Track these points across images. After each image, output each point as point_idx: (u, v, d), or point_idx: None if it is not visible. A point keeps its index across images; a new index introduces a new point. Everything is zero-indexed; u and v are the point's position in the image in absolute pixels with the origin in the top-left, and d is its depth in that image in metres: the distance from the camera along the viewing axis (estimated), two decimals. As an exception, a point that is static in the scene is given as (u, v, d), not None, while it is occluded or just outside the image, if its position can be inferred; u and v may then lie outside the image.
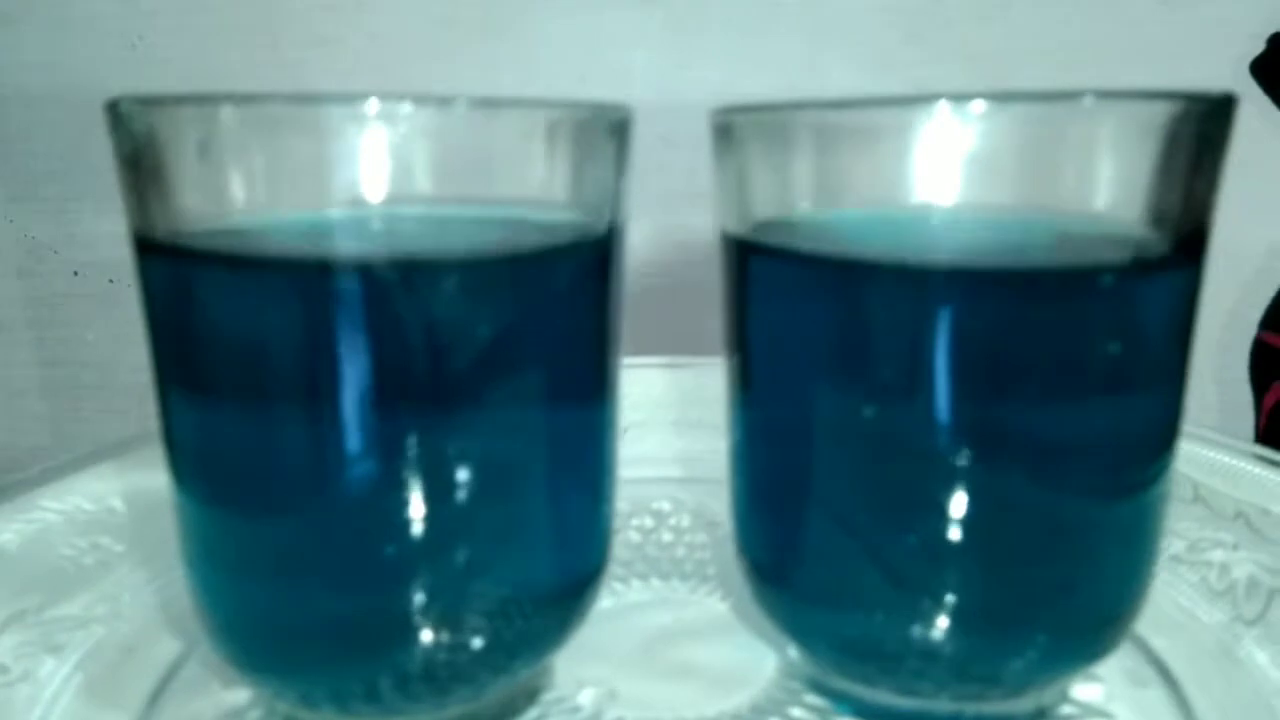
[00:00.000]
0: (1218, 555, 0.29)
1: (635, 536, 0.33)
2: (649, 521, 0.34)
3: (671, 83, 0.51)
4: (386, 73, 0.51)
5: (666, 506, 0.35)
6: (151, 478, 0.33)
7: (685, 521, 0.34)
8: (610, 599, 0.29)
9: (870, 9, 0.50)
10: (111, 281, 0.54)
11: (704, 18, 0.51)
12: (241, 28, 0.51)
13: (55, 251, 0.54)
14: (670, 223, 0.50)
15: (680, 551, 0.32)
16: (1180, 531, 0.30)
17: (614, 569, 0.30)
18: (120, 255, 0.58)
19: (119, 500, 0.32)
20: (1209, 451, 0.34)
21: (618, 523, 0.33)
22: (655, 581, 0.30)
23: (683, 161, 0.46)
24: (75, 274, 0.54)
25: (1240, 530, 0.30)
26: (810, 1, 0.50)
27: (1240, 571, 0.28)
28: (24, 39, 0.52)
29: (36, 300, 0.55)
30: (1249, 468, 0.32)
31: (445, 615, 0.21)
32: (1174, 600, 0.28)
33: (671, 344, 0.43)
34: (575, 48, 0.51)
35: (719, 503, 0.33)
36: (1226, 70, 0.46)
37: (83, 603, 0.27)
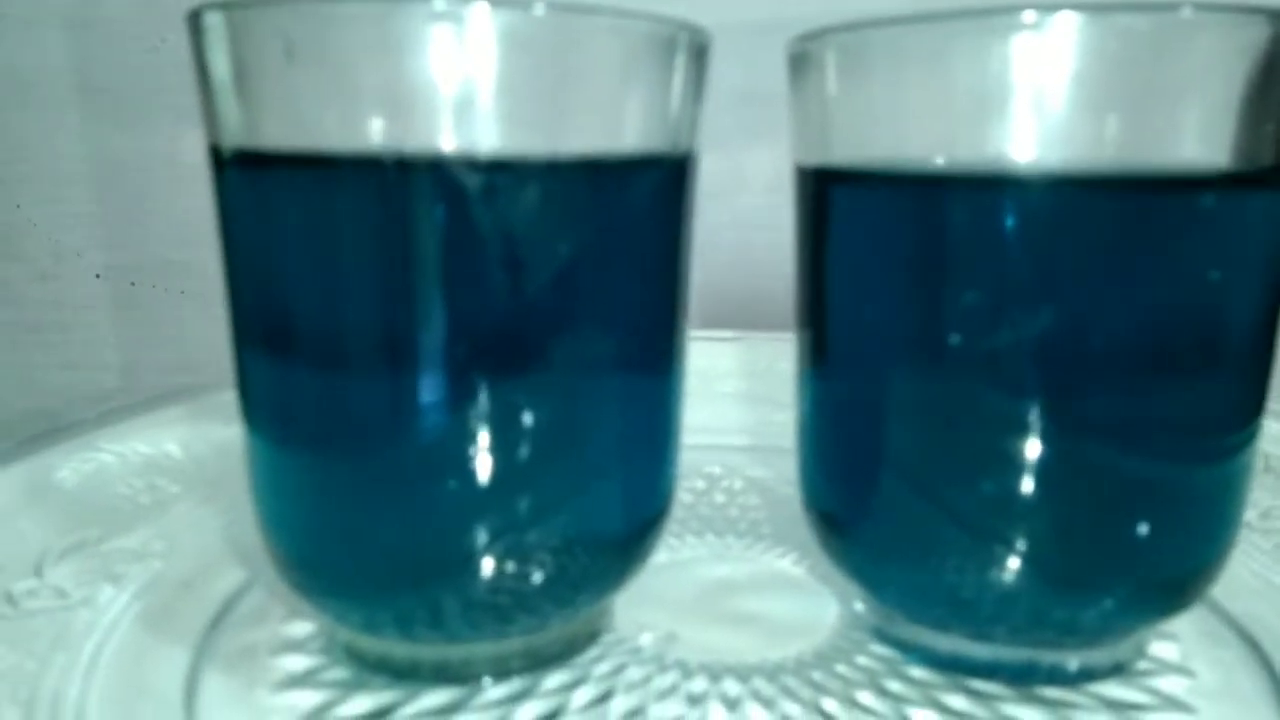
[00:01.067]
0: (1292, 523, 0.28)
1: (688, 498, 0.32)
2: (700, 484, 0.34)
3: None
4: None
5: (718, 470, 0.35)
6: (208, 425, 0.33)
7: (738, 484, 0.34)
8: (666, 553, 0.28)
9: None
10: (133, 284, 0.54)
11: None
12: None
13: (80, 255, 0.54)
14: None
15: (734, 512, 0.31)
16: (1253, 501, 0.29)
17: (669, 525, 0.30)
18: (140, 259, 0.58)
19: (175, 445, 0.32)
20: (1278, 424, 0.33)
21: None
22: (710, 538, 0.30)
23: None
24: (98, 277, 0.55)
25: (1315, 498, 0.29)
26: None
27: (1316, 538, 0.27)
28: (45, 42, 0.52)
29: (59, 303, 0.55)
30: (1322, 439, 0.32)
31: (508, 545, 0.20)
32: (1248, 566, 0.27)
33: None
34: None
35: (771, 470, 0.33)
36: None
37: (141, 537, 0.27)
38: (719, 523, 0.31)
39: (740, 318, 0.47)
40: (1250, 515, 0.29)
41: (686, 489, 0.33)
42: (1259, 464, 0.31)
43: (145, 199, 0.52)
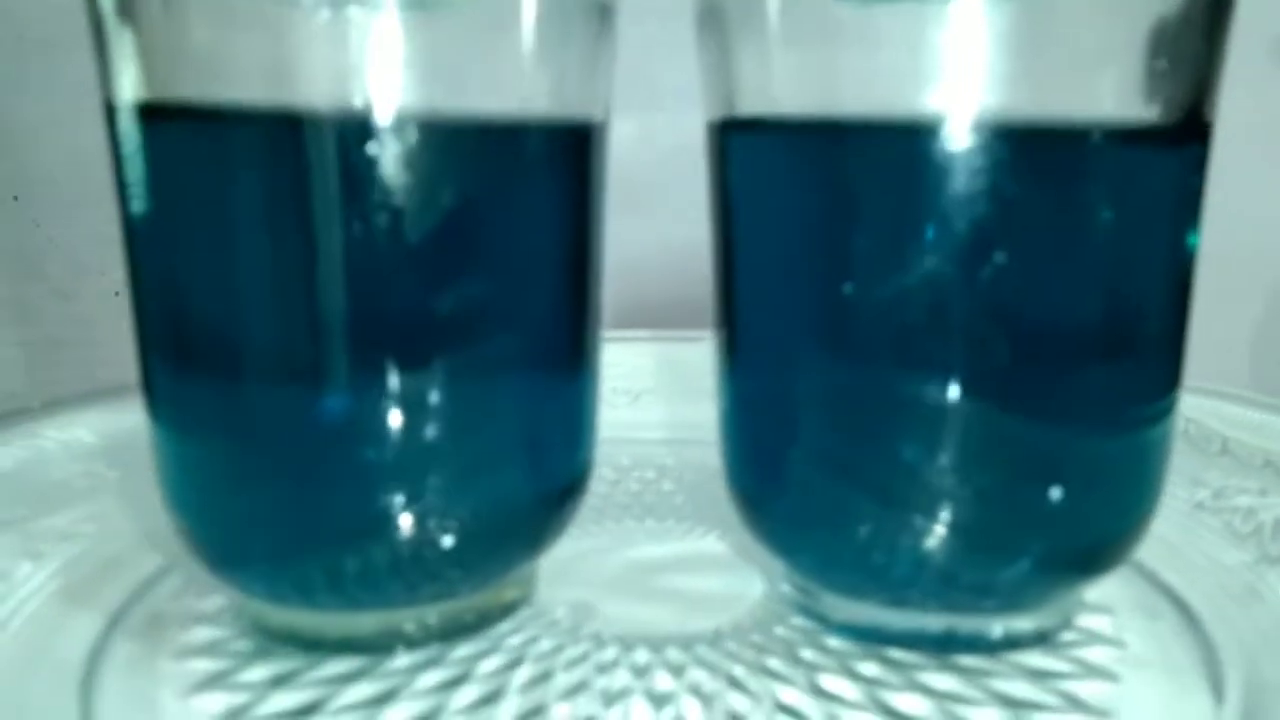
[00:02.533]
0: (1243, 501, 0.28)
1: (602, 487, 0.32)
2: (651, 474, 0.33)
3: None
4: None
5: (670, 461, 0.34)
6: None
7: (649, 474, 0.33)
8: (587, 539, 0.28)
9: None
10: None
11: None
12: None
13: (101, 274, 0.55)
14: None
15: (650, 498, 0.31)
16: (1207, 481, 0.29)
17: (610, 511, 0.30)
18: None
19: (122, 433, 0.32)
20: (1237, 408, 0.32)
21: (617, 475, 0.33)
22: (629, 522, 0.29)
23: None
24: (117, 295, 0.55)
25: (1268, 477, 0.28)
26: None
27: (1267, 515, 0.27)
28: (67, 63, 0.53)
29: (79, 321, 0.56)
30: (1278, 421, 0.31)
31: (411, 510, 0.20)
32: (1195, 545, 0.26)
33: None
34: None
35: (682, 460, 0.33)
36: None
37: (70, 519, 0.27)
38: (637, 509, 0.30)
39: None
40: (1204, 495, 0.28)
41: (599, 478, 0.32)
42: (1215, 446, 0.30)
43: None
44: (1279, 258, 0.48)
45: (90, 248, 0.54)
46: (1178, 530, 0.26)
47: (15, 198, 0.54)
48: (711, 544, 0.28)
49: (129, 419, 0.33)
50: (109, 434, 0.32)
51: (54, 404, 0.32)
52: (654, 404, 0.39)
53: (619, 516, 0.29)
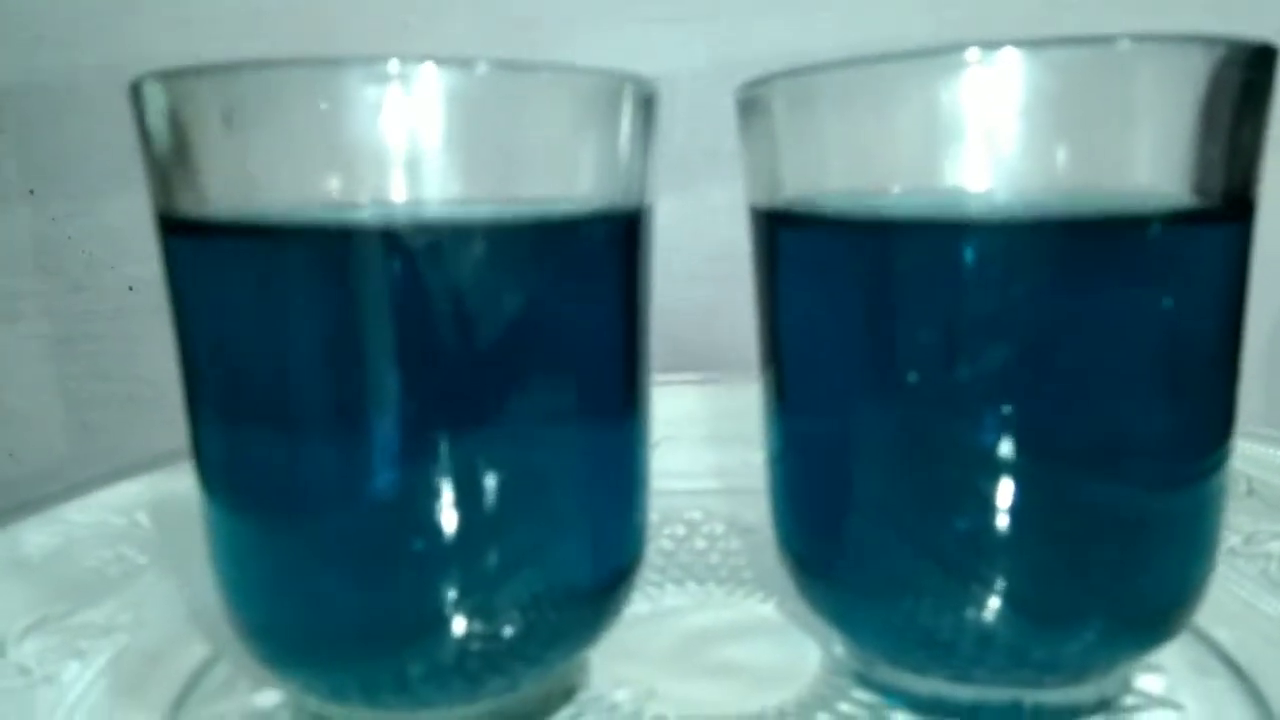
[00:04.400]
0: (1276, 547, 0.28)
1: (668, 544, 0.32)
2: (681, 530, 0.33)
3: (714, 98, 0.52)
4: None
5: (698, 515, 0.34)
6: (177, 492, 0.33)
7: (719, 529, 0.33)
8: (646, 604, 0.28)
9: (917, 23, 0.49)
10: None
11: (746, 33, 0.51)
12: (293, 49, 0.53)
13: (112, 268, 0.56)
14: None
15: (715, 558, 0.31)
16: (1236, 526, 0.29)
17: (648, 575, 0.30)
18: None
19: (144, 514, 0.31)
20: (1261, 447, 0.33)
21: (650, 532, 0.33)
22: (691, 585, 0.29)
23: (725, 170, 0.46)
24: (130, 289, 0.56)
25: (1299, 521, 0.29)
26: (853, 16, 0.50)
27: (1302, 561, 0.27)
28: (84, 61, 0.54)
29: (93, 314, 0.57)
30: (1304, 460, 0.31)
31: (475, 606, 0.20)
32: (1233, 593, 0.27)
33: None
34: (617, 65, 0.52)
35: (751, 511, 0.33)
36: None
37: (107, 610, 0.26)
38: (700, 569, 0.30)
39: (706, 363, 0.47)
40: (1235, 540, 0.29)
41: (667, 535, 0.33)
42: (1242, 487, 0.31)
43: None
44: None
45: (104, 242, 0.55)
46: (1215, 579, 0.27)
47: (31, 191, 0.54)
48: (756, 607, 0.28)
49: (152, 496, 0.32)
50: (135, 516, 0.31)
51: (77, 486, 0.32)
52: (673, 451, 0.39)
53: (659, 581, 0.29)
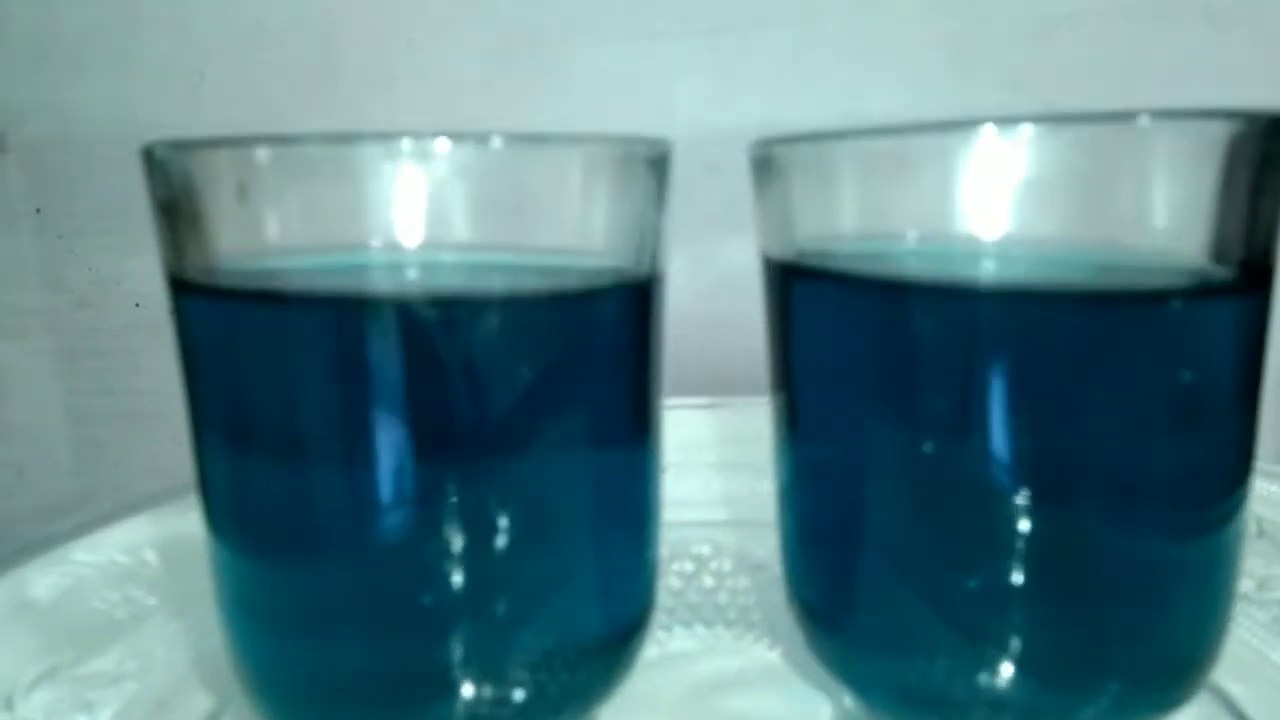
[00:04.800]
0: (1289, 593, 0.28)
1: (676, 582, 0.32)
2: (689, 566, 0.33)
3: (714, 112, 0.52)
4: (438, 106, 0.53)
5: (707, 550, 0.34)
6: (184, 529, 0.33)
7: (727, 566, 0.33)
8: (654, 648, 0.28)
9: (915, 33, 0.50)
10: (171, 313, 0.56)
11: (747, 47, 0.51)
12: (299, 65, 0.53)
13: (118, 284, 0.56)
14: (712, 252, 0.50)
15: (723, 598, 0.31)
16: (1248, 570, 0.29)
17: (656, 617, 0.29)
18: None
19: (152, 553, 0.31)
20: (1271, 486, 0.32)
21: (658, 568, 0.33)
22: (699, 629, 0.29)
23: (725, 191, 0.46)
24: (137, 305, 0.56)
25: (1311, 567, 0.29)
26: (854, 27, 0.50)
27: (1314, 610, 0.27)
28: (89, 79, 0.54)
29: (98, 331, 0.57)
30: (1315, 501, 0.31)
31: (486, 667, 0.20)
32: (1246, 642, 0.26)
33: (712, 374, 0.43)
34: (619, 79, 0.52)
35: (761, 546, 0.33)
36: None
37: (115, 658, 0.26)
38: (708, 610, 0.30)
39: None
40: (1247, 586, 0.29)
41: (675, 573, 0.32)
42: (1252, 529, 0.31)
43: None
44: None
45: (110, 260, 0.55)
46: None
47: (38, 210, 0.54)
48: (764, 654, 0.28)
49: (157, 535, 0.32)
50: (142, 555, 0.31)
51: (83, 525, 0.32)
52: (681, 478, 0.39)
53: (666, 623, 0.29)
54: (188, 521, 0.33)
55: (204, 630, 0.27)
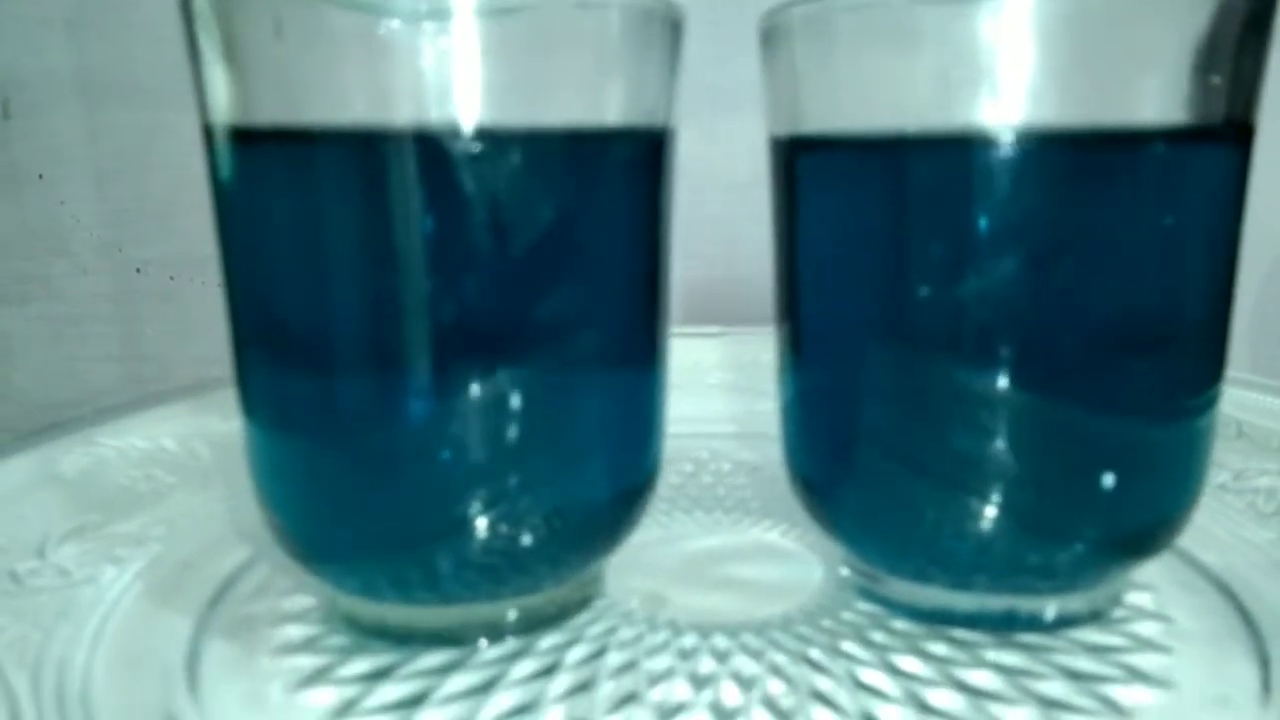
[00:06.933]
0: (1264, 482, 0.29)
1: (676, 479, 0.33)
2: (689, 467, 0.34)
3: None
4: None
5: (705, 455, 0.35)
6: (204, 421, 0.34)
7: (725, 467, 0.34)
8: (656, 529, 0.29)
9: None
10: (172, 278, 0.56)
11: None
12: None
13: (119, 250, 0.56)
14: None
15: (721, 491, 0.32)
16: (1227, 464, 0.30)
17: (657, 504, 0.31)
18: (179, 253, 0.61)
19: (171, 440, 0.32)
20: (1250, 393, 0.34)
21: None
22: (699, 514, 0.30)
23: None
24: (138, 271, 0.57)
25: (1286, 459, 0.30)
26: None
27: (1288, 495, 0.28)
28: (90, 42, 0.54)
29: (101, 297, 0.58)
30: (1293, 404, 0.32)
31: (500, 512, 0.21)
32: (1223, 524, 0.28)
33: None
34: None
35: (758, 454, 0.34)
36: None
37: (140, 523, 0.27)
38: (707, 500, 0.31)
39: (725, 313, 0.48)
40: (1225, 476, 0.30)
41: (675, 471, 0.34)
42: (1232, 430, 0.32)
43: (184, 195, 0.54)
44: (1271, 243, 0.51)
45: (111, 226, 0.56)
46: (1204, 511, 0.27)
47: (40, 176, 0.55)
48: (761, 534, 0.29)
49: (177, 426, 0.33)
50: (160, 442, 0.32)
51: (104, 411, 0.33)
52: (681, 399, 0.40)
53: (668, 509, 0.30)
54: (207, 413, 0.34)
55: (225, 505, 0.29)
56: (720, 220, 0.53)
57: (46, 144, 0.55)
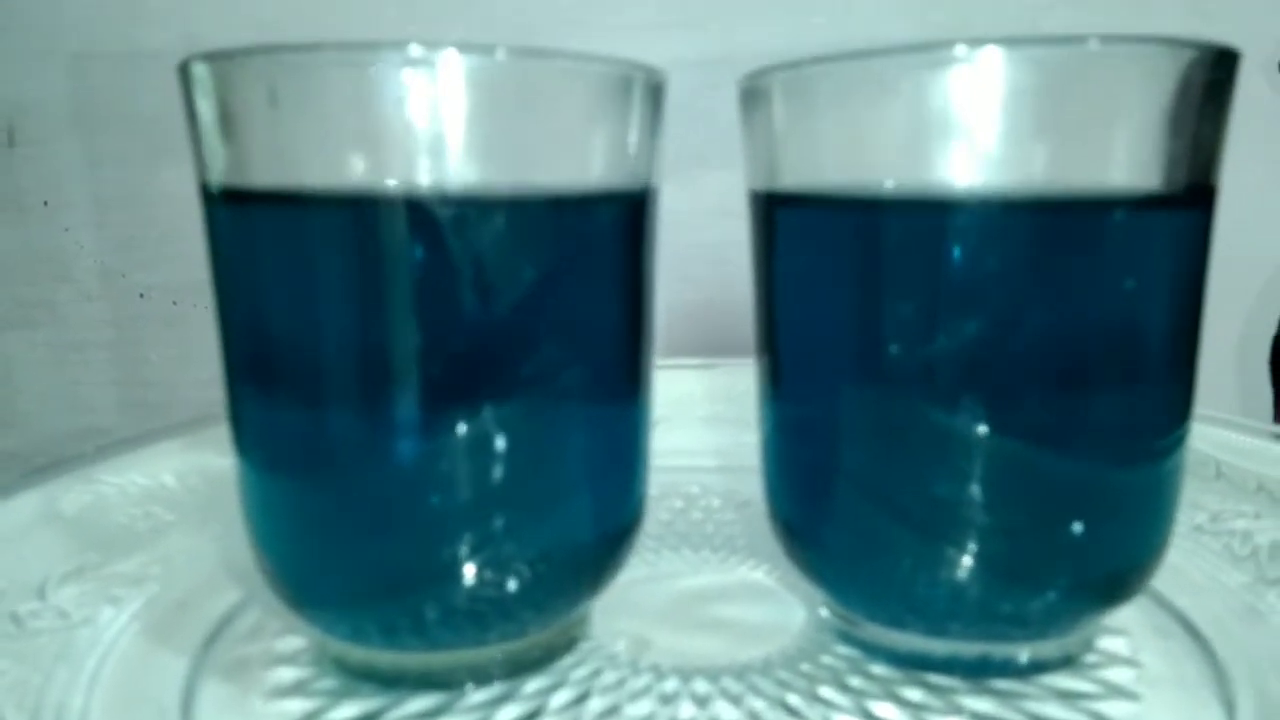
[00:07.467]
0: (1240, 524, 0.30)
1: (666, 515, 0.34)
2: (679, 503, 0.35)
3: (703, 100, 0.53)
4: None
5: (695, 490, 0.36)
6: (202, 457, 0.34)
7: (715, 503, 0.35)
8: (644, 567, 0.29)
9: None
10: (175, 304, 0.57)
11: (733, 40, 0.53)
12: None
13: (123, 276, 0.57)
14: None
15: (710, 528, 0.33)
16: (1204, 505, 0.31)
17: (646, 542, 0.31)
18: (182, 279, 0.61)
19: (170, 476, 0.33)
20: (1230, 433, 0.34)
21: (648, 505, 0.34)
22: (686, 552, 0.31)
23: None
24: (141, 296, 0.58)
25: (1262, 501, 0.31)
26: (841, 26, 0.52)
27: (1263, 538, 0.29)
28: (94, 73, 0.55)
29: (104, 322, 0.58)
30: (1269, 446, 0.33)
31: (486, 556, 0.22)
32: (1198, 567, 0.28)
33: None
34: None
35: (748, 487, 0.34)
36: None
37: (138, 562, 0.28)
38: (695, 538, 0.32)
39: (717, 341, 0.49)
40: (1202, 518, 0.30)
41: (665, 508, 0.34)
42: (1211, 471, 0.32)
43: (185, 222, 0.54)
44: (1255, 278, 0.51)
45: (114, 252, 0.57)
46: (1180, 553, 0.28)
47: (45, 203, 0.56)
48: (747, 573, 0.29)
49: (177, 462, 0.34)
50: (160, 478, 0.33)
51: (106, 448, 0.33)
52: (669, 432, 0.41)
53: (655, 547, 0.31)
54: (205, 449, 0.34)
55: (222, 544, 0.29)
56: (714, 244, 0.53)
57: (50, 171, 0.56)
